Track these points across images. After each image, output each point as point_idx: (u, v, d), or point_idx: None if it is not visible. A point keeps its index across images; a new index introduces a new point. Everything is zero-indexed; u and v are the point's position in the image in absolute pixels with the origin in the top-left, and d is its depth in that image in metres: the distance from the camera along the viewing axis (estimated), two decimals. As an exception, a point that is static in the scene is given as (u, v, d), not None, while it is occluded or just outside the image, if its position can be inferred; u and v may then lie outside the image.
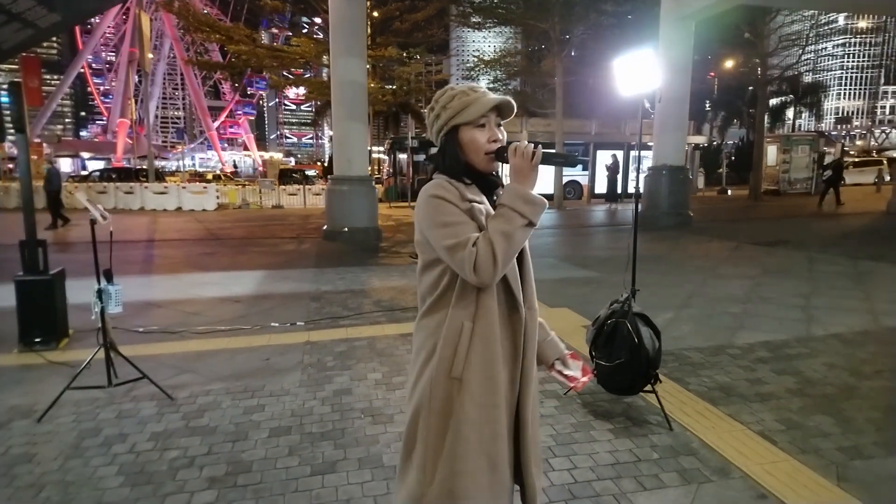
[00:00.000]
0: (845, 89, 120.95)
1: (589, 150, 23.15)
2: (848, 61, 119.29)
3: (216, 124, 76.73)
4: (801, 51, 24.11)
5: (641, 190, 14.64)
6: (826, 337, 4.69)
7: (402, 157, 23.29)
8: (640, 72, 3.08)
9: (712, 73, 33.20)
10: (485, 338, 1.37)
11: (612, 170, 20.06)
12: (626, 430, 3.04)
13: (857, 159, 30.19)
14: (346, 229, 10.90)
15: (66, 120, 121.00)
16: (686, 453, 2.79)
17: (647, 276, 6.60)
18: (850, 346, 4.44)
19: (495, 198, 1.47)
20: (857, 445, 2.86)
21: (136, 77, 55.02)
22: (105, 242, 3.38)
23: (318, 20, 25.16)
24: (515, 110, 1.47)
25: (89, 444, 2.90)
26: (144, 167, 28.87)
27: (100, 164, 44.20)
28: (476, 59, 22.83)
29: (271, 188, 22.34)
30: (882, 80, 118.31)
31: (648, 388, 3.16)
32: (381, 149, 31.70)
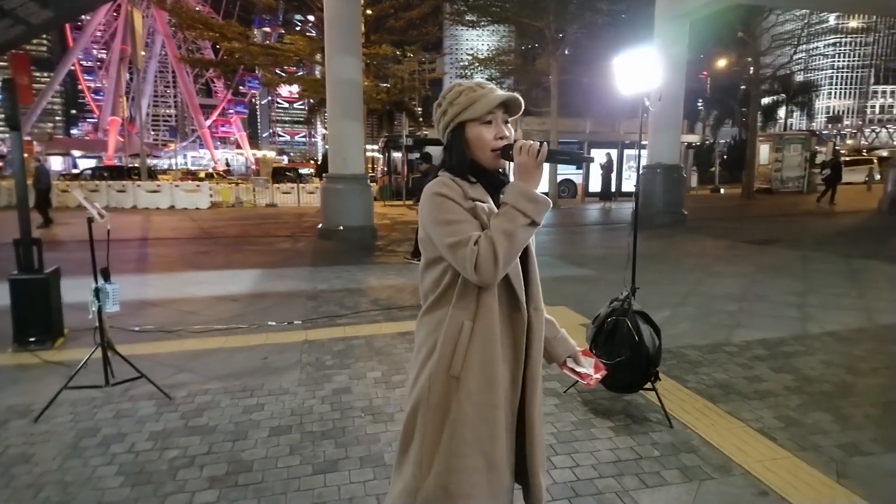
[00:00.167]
0: (836, 89, 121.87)
1: (583, 148, 23.19)
2: (838, 61, 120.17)
3: (208, 122, 76.37)
4: (793, 50, 24.25)
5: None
6: (822, 335, 4.72)
7: (397, 155, 23.26)
8: (640, 70, 3.09)
9: (705, 73, 33.33)
10: (484, 337, 1.37)
11: (607, 168, 20.12)
12: (626, 427, 3.05)
13: (847, 158, 30.39)
14: (342, 228, 10.87)
15: (57, 118, 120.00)
16: (687, 451, 2.79)
17: (644, 274, 6.58)
18: (846, 344, 4.47)
19: (501, 196, 1.46)
20: (856, 442, 2.87)
21: (128, 74, 54.70)
22: (101, 241, 3.36)
23: (311, 18, 25.05)
24: (523, 107, 1.46)
25: (88, 443, 2.88)
26: (136, 165, 28.72)
27: (91, 163, 43.75)
28: (471, 58, 22.82)
29: (265, 186, 22.25)
30: (872, 80, 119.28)
31: (648, 385, 3.17)
32: (376, 147, 31.66)
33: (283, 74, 25.83)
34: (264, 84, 36.75)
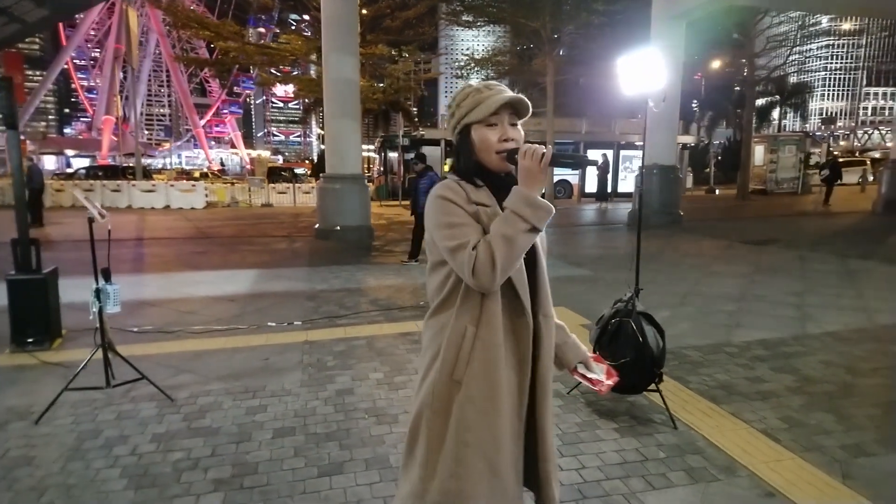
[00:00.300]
0: (829, 90, 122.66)
1: (580, 149, 23.25)
2: (831, 63, 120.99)
3: (202, 122, 76.06)
4: (788, 52, 24.38)
5: (634, 189, 14.74)
6: (821, 335, 4.74)
7: (393, 155, 23.22)
8: (644, 71, 3.09)
9: (699, 74, 33.44)
10: (487, 343, 1.36)
11: (602, 169, 20.16)
12: (631, 429, 3.05)
13: (842, 160, 30.58)
14: (339, 228, 10.84)
15: (50, 117, 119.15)
16: (692, 452, 2.80)
17: (642, 274, 6.53)
18: (846, 344, 4.49)
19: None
20: (860, 443, 2.88)
21: (122, 73, 54.40)
22: (100, 241, 3.33)
23: (306, 17, 24.98)
24: (531, 109, 1.44)
25: (90, 446, 2.85)
26: (131, 165, 28.57)
27: (84, 162, 43.52)
28: (467, 58, 22.80)
29: (261, 186, 22.18)
30: (864, 82, 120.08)
31: (652, 387, 3.17)
32: (372, 147, 31.60)
33: (279, 74, 25.71)
34: (259, 84, 36.64)
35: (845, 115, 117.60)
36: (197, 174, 39.46)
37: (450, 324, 1.38)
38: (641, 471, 2.63)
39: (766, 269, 7.73)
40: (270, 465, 2.68)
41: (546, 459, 1.47)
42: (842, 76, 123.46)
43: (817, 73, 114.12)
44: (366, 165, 30.60)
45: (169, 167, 57.92)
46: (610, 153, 21.47)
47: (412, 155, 22.06)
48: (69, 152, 54.32)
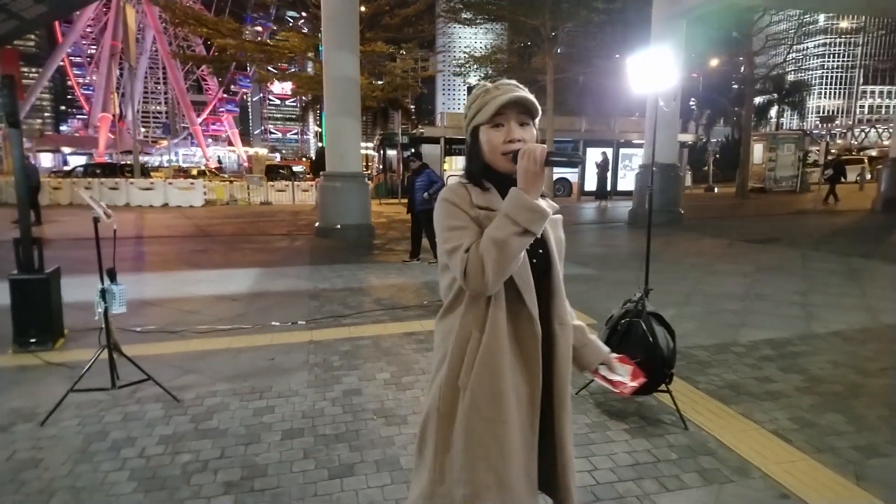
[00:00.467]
0: (825, 89, 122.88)
1: (579, 147, 23.24)
2: (828, 61, 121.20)
3: (199, 120, 75.81)
4: (787, 50, 24.40)
5: (634, 188, 14.74)
6: (827, 334, 4.73)
7: (392, 153, 23.18)
8: (655, 70, 3.06)
9: (696, 74, 33.47)
10: (491, 349, 1.33)
11: (602, 167, 20.15)
12: (641, 430, 3.03)
13: (841, 158, 30.65)
14: (339, 226, 10.81)
15: (46, 114, 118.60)
16: (704, 453, 2.78)
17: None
18: (852, 344, 4.48)
19: None
20: (872, 444, 2.87)
21: (118, 70, 54.15)
22: (103, 240, 3.30)
23: (304, 14, 24.88)
24: (539, 107, 1.41)
25: (97, 448, 2.82)
26: (128, 162, 28.44)
27: (81, 160, 43.30)
28: (466, 56, 22.77)
29: (259, 184, 22.10)
30: (861, 80, 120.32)
31: (662, 387, 3.16)
32: (370, 145, 31.53)
33: (276, 71, 25.62)
34: (257, 80, 36.54)
35: (842, 113, 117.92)
36: (195, 172, 39.31)
37: (456, 328, 1.36)
38: (654, 472, 2.61)
39: (768, 267, 7.73)
40: (280, 467, 2.65)
41: (565, 469, 1.44)
42: (839, 74, 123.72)
43: (814, 72, 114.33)
44: (364, 163, 30.51)
45: (166, 165, 57.75)
46: (609, 151, 21.45)
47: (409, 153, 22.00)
48: (65, 150, 54.07)
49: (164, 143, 76.34)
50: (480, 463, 1.33)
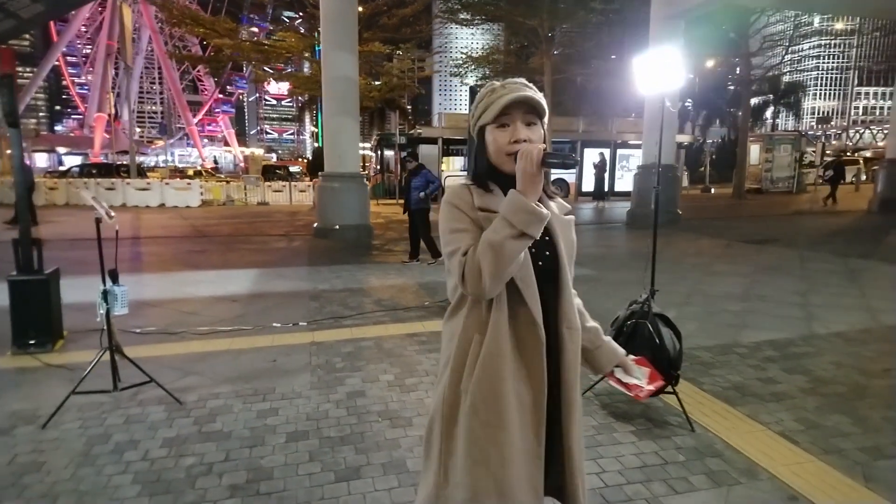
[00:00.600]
0: (820, 90, 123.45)
1: (576, 148, 23.26)
2: (824, 62, 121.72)
3: (195, 120, 75.59)
4: (784, 51, 24.49)
5: (632, 188, 14.75)
6: (829, 335, 4.73)
7: (389, 153, 23.15)
8: (661, 70, 3.06)
9: (693, 74, 33.57)
10: (492, 353, 1.30)
11: (600, 168, 20.17)
12: (648, 431, 3.02)
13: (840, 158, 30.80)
14: (338, 227, 10.78)
15: (41, 114, 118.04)
16: (711, 455, 2.77)
17: (645, 274, 6.63)
18: (854, 345, 4.49)
19: None
20: (878, 445, 2.87)
21: (113, 70, 53.93)
22: (103, 241, 3.27)
23: (301, 14, 24.84)
24: (546, 107, 1.38)
25: (99, 451, 2.79)
26: (124, 163, 28.34)
27: (76, 160, 43.06)
28: (464, 56, 22.76)
29: (256, 184, 22.05)
30: (856, 82, 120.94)
31: (669, 389, 3.15)
32: (368, 145, 31.50)
33: (273, 71, 25.57)
34: (254, 80, 36.50)
35: (837, 114, 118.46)
36: (191, 172, 39.16)
37: (459, 331, 1.35)
38: (662, 474, 2.60)
39: (767, 268, 7.74)
40: (286, 469, 2.63)
41: (573, 476, 1.40)
42: (834, 76, 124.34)
43: (810, 73, 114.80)
44: (362, 164, 30.49)
45: (162, 165, 57.53)
46: (607, 152, 21.47)
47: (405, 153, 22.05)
48: (61, 150, 53.77)
49: (160, 143, 76.11)
50: (480, 468, 1.31)
